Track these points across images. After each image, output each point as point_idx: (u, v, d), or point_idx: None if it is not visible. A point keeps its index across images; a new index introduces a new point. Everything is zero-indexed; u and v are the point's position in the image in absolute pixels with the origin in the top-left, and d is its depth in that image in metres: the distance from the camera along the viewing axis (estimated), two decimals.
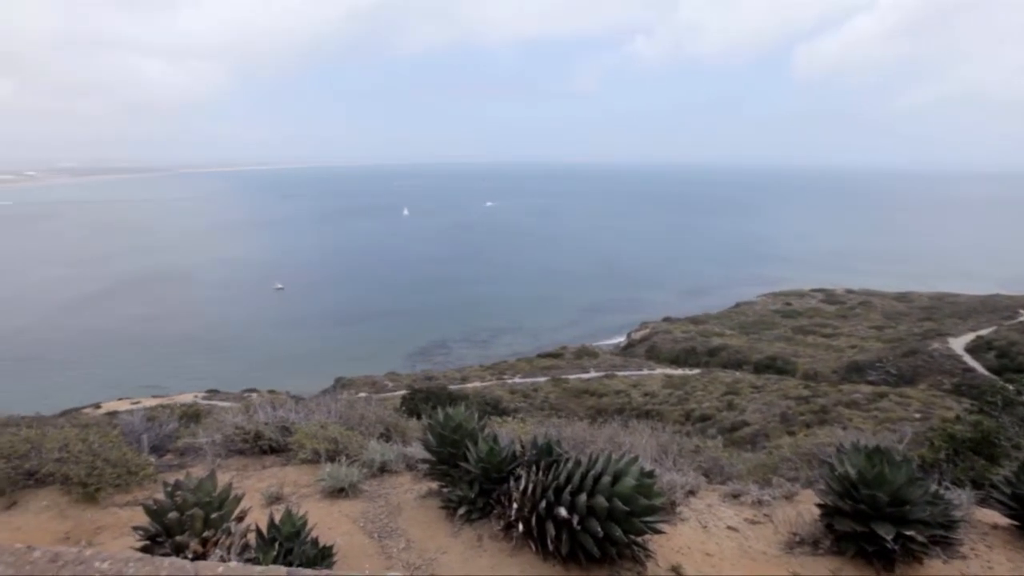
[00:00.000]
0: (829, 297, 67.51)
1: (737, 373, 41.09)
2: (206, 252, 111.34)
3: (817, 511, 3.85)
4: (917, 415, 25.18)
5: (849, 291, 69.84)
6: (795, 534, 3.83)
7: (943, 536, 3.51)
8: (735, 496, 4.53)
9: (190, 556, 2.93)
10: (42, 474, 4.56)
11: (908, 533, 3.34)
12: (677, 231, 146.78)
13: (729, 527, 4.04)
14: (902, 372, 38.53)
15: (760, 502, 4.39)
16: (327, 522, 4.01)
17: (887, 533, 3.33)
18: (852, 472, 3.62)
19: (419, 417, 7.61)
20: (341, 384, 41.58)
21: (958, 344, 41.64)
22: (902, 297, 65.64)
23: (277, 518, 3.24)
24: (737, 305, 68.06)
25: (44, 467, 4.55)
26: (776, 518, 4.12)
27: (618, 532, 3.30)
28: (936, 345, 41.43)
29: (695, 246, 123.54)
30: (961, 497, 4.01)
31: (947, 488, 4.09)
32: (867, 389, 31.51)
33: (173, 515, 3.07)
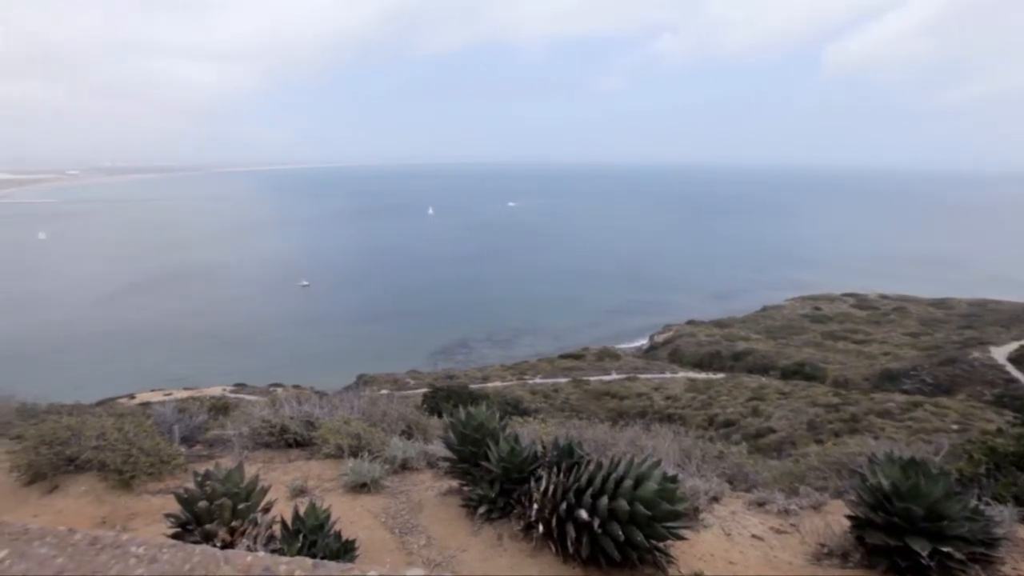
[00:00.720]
0: (861, 302, 65.32)
1: (763, 378, 40.12)
2: (235, 250, 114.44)
3: (847, 523, 3.72)
4: (955, 426, 24.14)
5: (883, 296, 67.45)
6: (823, 545, 3.72)
7: (983, 554, 3.35)
8: (760, 504, 4.42)
9: (219, 544, 3.01)
10: (81, 460, 4.77)
11: (945, 549, 3.21)
12: (701, 232, 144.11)
13: (754, 536, 3.95)
14: (939, 381, 37.01)
15: (786, 511, 4.28)
16: (349, 516, 4.07)
17: (922, 548, 3.20)
18: (885, 483, 3.49)
19: (440, 415, 7.66)
20: (363, 381, 42.17)
21: (1000, 353, 39.73)
22: (940, 303, 63.02)
23: (302, 511, 3.30)
24: (764, 309, 66.45)
25: (83, 454, 4.76)
26: (803, 528, 4.01)
27: (639, 537, 3.26)
28: (976, 354, 39.65)
29: (720, 248, 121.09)
30: (1003, 514, 3.82)
31: (987, 504, 3.91)
32: (901, 398, 30.35)
33: (203, 504, 3.16)
